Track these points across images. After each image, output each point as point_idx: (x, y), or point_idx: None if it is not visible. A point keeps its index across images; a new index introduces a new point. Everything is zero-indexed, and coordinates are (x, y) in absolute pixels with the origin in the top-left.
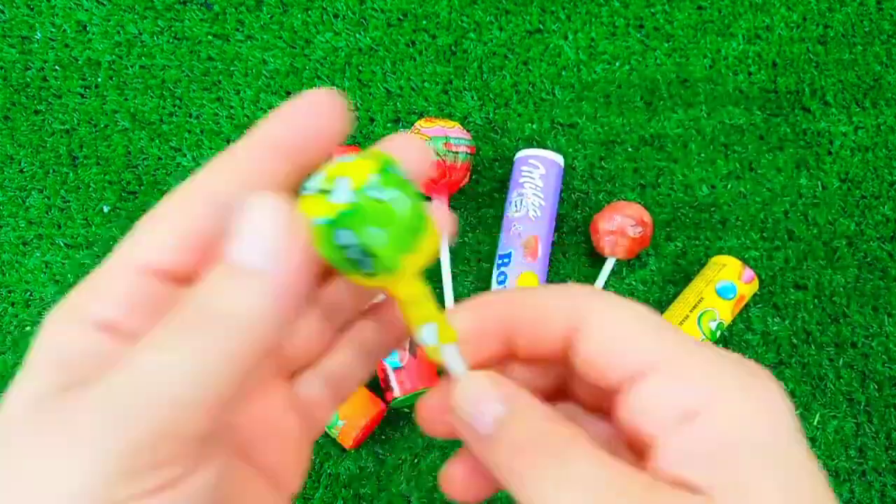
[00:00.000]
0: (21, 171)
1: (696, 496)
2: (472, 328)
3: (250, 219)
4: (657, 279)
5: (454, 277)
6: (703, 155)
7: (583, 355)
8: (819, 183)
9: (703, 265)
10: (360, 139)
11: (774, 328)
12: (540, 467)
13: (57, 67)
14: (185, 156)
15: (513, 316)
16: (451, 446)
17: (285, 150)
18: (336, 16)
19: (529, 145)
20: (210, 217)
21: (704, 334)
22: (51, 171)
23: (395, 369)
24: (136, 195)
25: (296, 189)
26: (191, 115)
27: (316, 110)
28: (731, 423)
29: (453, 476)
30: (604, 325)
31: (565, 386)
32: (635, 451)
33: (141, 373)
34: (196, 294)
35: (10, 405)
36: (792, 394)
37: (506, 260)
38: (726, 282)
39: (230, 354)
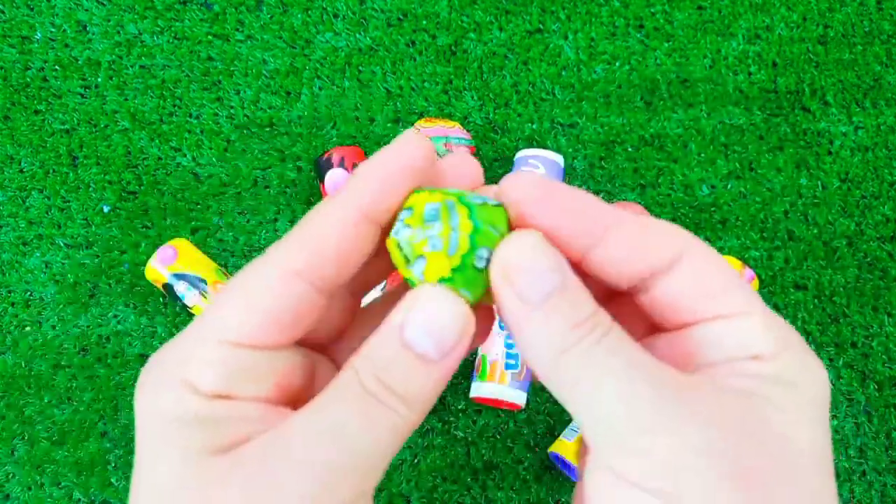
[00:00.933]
0: (21, 171)
1: (742, 398)
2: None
3: (428, 308)
4: None
5: None
6: (703, 155)
7: (667, 290)
8: (819, 183)
9: None
10: (360, 139)
11: None
12: (585, 345)
13: (57, 67)
14: (185, 156)
15: (605, 238)
16: (450, 446)
17: (370, 214)
18: (336, 16)
19: (529, 145)
20: (291, 295)
21: None
22: (51, 171)
23: None
24: (136, 195)
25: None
26: (191, 115)
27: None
28: (791, 369)
29: None
30: (698, 268)
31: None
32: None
33: (314, 436)
34: (365, 365)
35: (162, 467)
36: None
37: None
38: None
39: (402, 430)
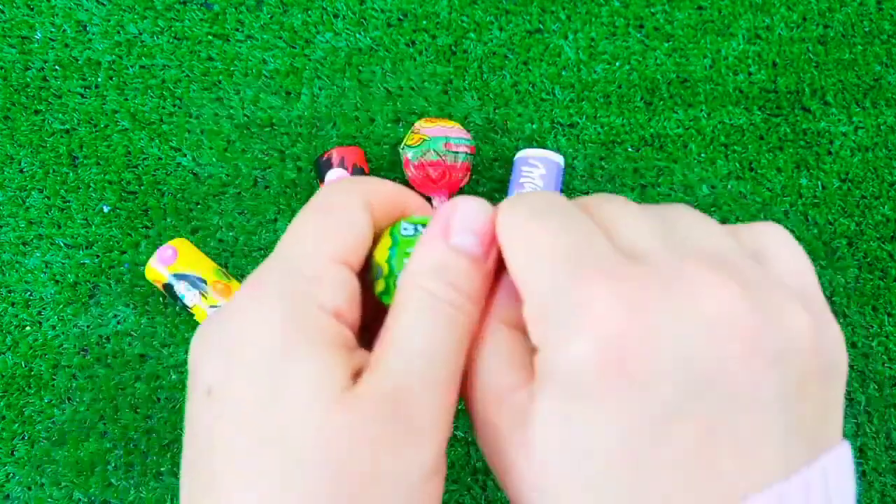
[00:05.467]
0: (21, 171)
1: None
2: None
3: (466, 210)
4: None
5: None
6: (703, 155)
7: None
8: (819, 183)
9: None
10: (360, 139)
11: None
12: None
13: (57, 67)
14: (185, 156)
15: None
16: (450, 446)
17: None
18: (336, 16)
19: (529, 145)
20: (368, 225)
21: None
22: (51, 171)
23: None
24: (136, 195)
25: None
26: (191, 115)
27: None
28: (540, 360)
29: None
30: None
31: None
32: None
33: (410, 356)
34: (424, 276)
35: (317, 391)
36: None
37: None
38: None
39: (472, 328)
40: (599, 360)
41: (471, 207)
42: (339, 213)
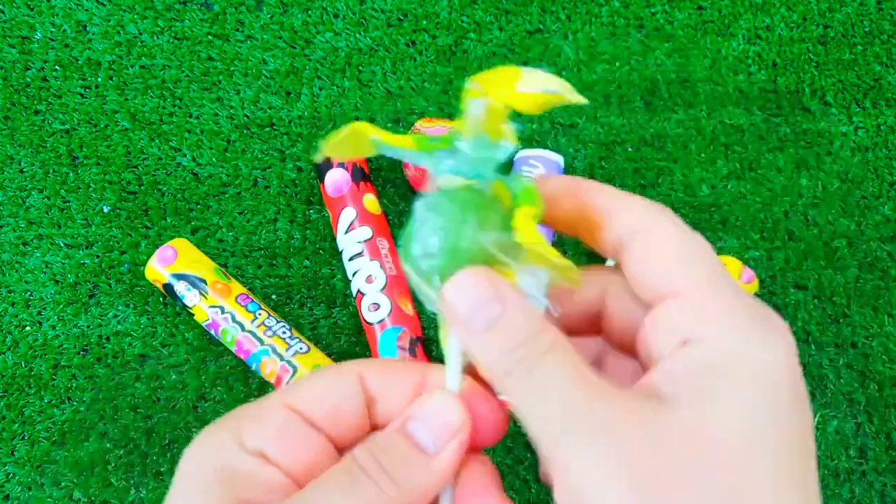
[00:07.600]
0: (21, 171)
1: (657, 404)
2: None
3: (432, 404)
4: None
5: None
6: (703, 155)
7: (628, 269)
8: (819, 183)
9: None
10: None
11: None
12: (515, 375)
13: (57, 67)
14: (185, 156)
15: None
16: None
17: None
18: (336, 16)
19: (529, 145)
20: (356, 397)
21: None
22: (51, 171)
23: None
24: (136, 195)
25: None
26: (191, 115)
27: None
28: (720, 352)
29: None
30: (648, 245)
31: (599, 322)
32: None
33: None
34: (364, 447)
35: None
36: None
37: None
38: None
39: None
40: (791, 365)
41: (440, 404)
42: (321, 375)
